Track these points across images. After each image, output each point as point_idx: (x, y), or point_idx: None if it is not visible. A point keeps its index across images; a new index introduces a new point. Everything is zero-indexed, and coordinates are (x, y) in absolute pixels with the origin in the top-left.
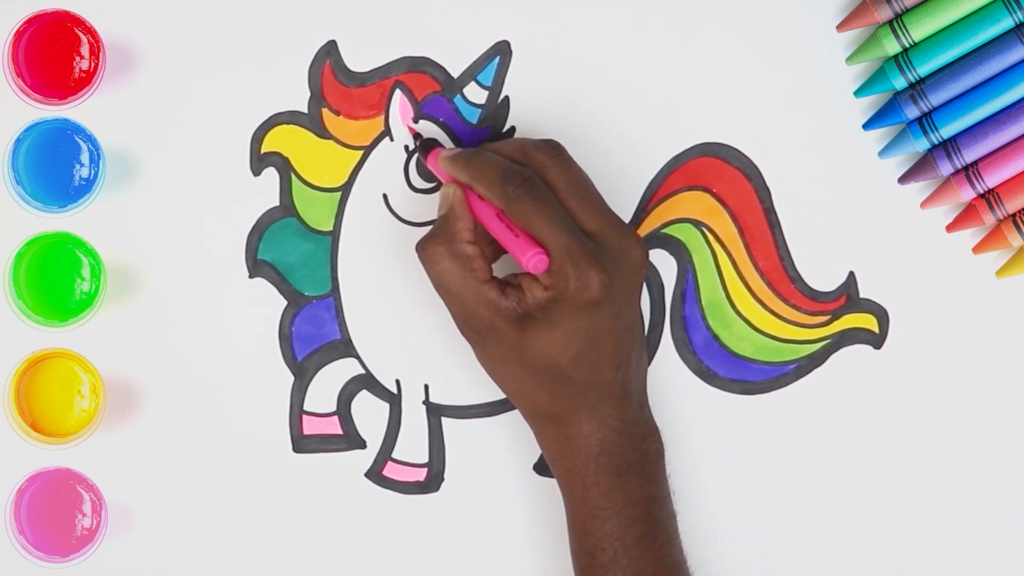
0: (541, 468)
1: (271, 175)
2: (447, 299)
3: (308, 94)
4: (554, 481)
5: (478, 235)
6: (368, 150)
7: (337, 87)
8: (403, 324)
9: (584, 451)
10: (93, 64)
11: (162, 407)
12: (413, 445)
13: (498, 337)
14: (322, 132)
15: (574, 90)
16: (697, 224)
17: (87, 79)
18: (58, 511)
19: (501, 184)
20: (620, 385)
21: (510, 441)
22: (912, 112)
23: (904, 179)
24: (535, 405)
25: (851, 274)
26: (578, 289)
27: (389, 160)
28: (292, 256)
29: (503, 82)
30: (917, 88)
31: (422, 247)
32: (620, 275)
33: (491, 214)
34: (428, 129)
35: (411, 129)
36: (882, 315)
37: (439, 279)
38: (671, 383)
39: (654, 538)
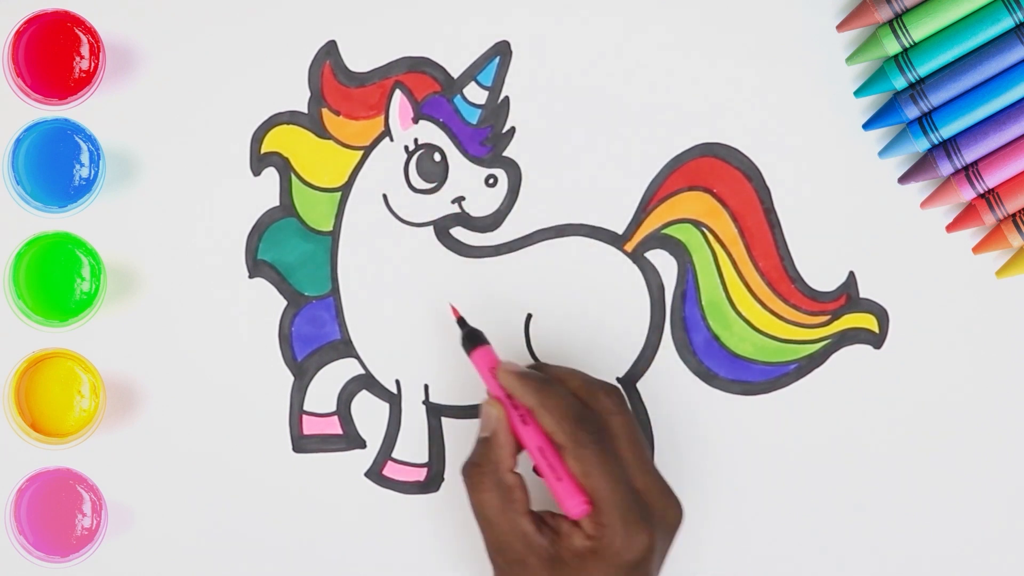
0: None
1: (271, 175)
2: (483, 526)
3: (308, 94)
4: None
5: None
6: (368, 150)
7: (337, 87)
8: (403, 324)
9: None
10: (93, 64)
11: (162, 407)
12: (413, 445)
13: (525, 572)
14: (322, 132)
15: (574, 90)
16: (697, 224)
17: (87, 79)
18: (58, 511)
19: (573, 426)
20: None
21: None
22: (912, 112)
23: (904, 179)
24: None
25: (851, 274)
26: (623, 548)
27: (389, 160)
28: (292, 256)
29: (503, 82)
30: (917, 88)
31: (467, 472)
32: (662, 537)
33: (535, 444)
34: (427, 132)
35: (455, 312)
36: (882, 315)
37: (479, 507)
38: (671, 384)
39: None
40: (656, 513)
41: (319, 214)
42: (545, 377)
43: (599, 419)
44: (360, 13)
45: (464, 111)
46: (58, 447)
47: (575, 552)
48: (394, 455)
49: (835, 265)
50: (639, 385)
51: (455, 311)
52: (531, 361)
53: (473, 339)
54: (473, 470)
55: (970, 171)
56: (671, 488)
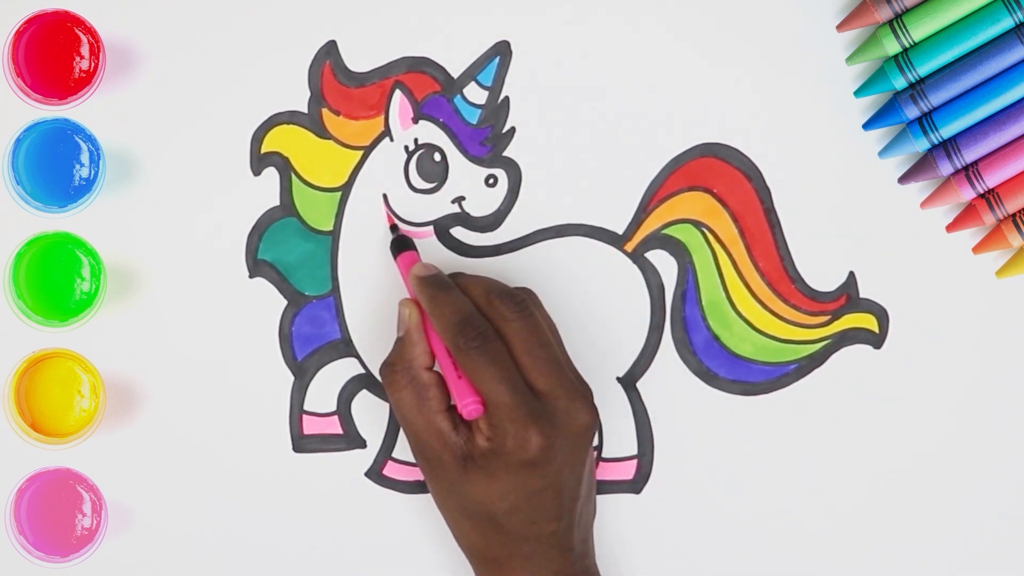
0: None
1: (271, 175)
2: (402, 425)
3: (308, 94)
4: None
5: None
6: (368, 150)
7: (337, 87)
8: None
9: None
10: (93, 64)
11: (162, 407)
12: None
13: (444, 471)
14: (322, 132)
15: (574, 90)
16: (697, 224)
17: (87, 79)
18: (58, 511)
19: (455, 332)
20: (560, 537)
21: None
22: (912, 112)
23: (904, 179)
24: (469, 545)
25: (851, 274)
26: (515, 448)
27: (389, 160)
28: (292, 256)
29: (503, 82)
30: (917, 88)
31: (382, 372)
32: (561, 437)
33: (443, 345)
34: (427, 132)
35: (389, 218)
36: (882, 315)
37: (396, 405)
38: (671, 384)
39: None
40: (558, 414)
41: (319, 214)
42: (445, 283)
43: (490, 325)
44: (360, 13)
45: (464, 111)
46: (58, 447)
47: (481, 451)
48: (394, 455)
49: (835, 265)
50: (639, 385)
51: (390, 217)
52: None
53: (400, 244)
54: (387, 369)
55: (970, 171)
56: (585, 391)
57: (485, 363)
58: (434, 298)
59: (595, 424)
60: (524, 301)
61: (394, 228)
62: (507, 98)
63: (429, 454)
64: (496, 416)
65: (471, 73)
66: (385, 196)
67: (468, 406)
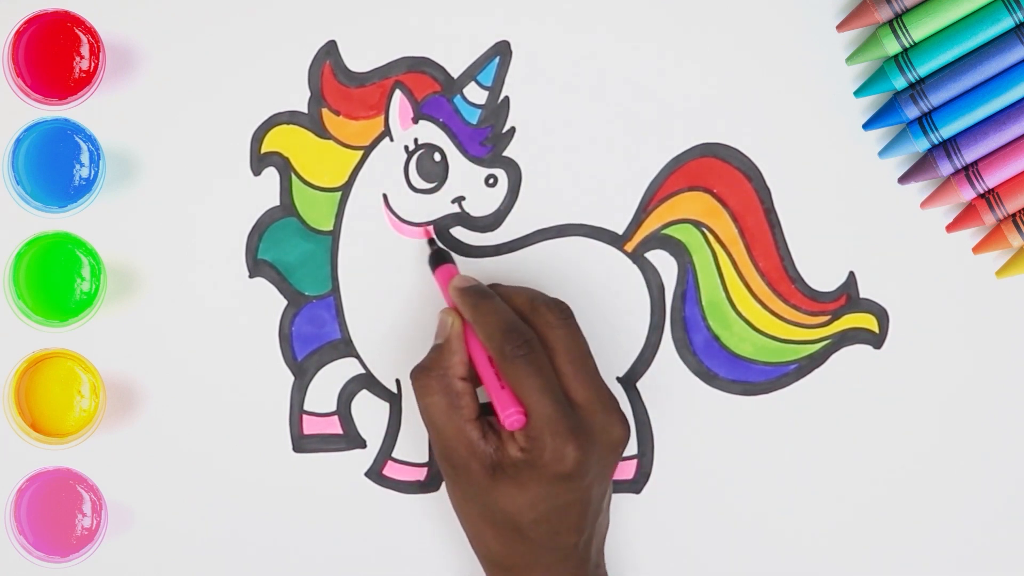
0: None
1: (271, 175)
2: (430, 430)
3: (308, 94)
4: None
5: (470, 369)
6: (368, 150)
7: (337, 87)
8: (403, 324)
9: None
10: (93, 64)
11: (162, 407)
12: (413, 445)
13: (469, 478)
14: (322, 132)
15: (574, 90)
16: (697, 224)
17: (87, 79)
18: (58, 511)
19: (500, 340)
20: (580, 548)
21: None
22: (912, 112)
23: (904, 179)
24: (489, 552)
25: (851, 274)
26: (552, 460)
27: (389, 160)
28: (292, 256)
29: (503, 82)
30: (917, 88)
31: (415, 376)
32: (597, 452)
33: (483, 356)
34: (427, 132)
35: (427, 232)
36: (882, 315)
37: (427, 410)
38: (671, 384)
39: None
40: (595, 428)
41: (319, 214)
42: (487, 292)
43: (534, 333)
44: (360, 13)
45: (464, 111)
46: (58, 447)
47: (511, 461)
48: (394, 455)
49: (835, 265)
50: (639, 385)
51: (427, 231)
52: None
53: (439, 258)
54: (421, 373)
55: (970, 171)
56: (618, 406)
57: (531, 373)
58: (477, 306)
59: (628, 438)
60: (567, 310)
61: (432, 242)
62: (507, 98)
63: (456, 461)
64: (536, 427)
65: (471, 73)
66: (386, 197)
67: (511, 416)
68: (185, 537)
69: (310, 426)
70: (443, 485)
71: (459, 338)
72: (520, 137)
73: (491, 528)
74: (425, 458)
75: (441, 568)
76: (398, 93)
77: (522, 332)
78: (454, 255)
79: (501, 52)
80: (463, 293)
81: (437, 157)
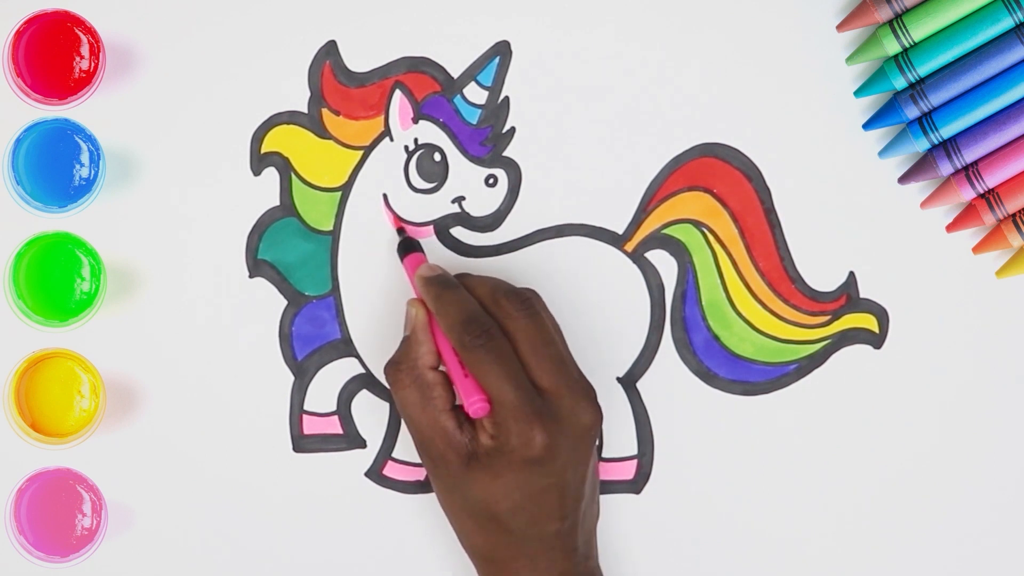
0: None
1: (271, 175)
2: (407, 423)
3: (308, 94)
4: None
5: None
6: (368, 150)
7: (337, 87)
8: (403, 323)
9: None
10: (93, 64)
11: (162, 407)
12: (413, 444)
13: (448, 469)
14: (322, 132)
15: (574, 90)
16: (697, 224)
17: (87, 79)
18: (58, 511)
19: (459, 330)
20: (563, 537)
21: None
22: (912, 112)
23: (904, 179)
24: (472, 545)
25: (851, 274)
26: (519, 446)
27: (389, 160)
28: (292, 256)
29: (503, 82)
30: (917, 88)
31: (387, 371)
32: (566, 436)
33: (448, 345)
34: (427, 132)
35: (395, 221)
36: (882, 315)
37: (401, 404)
38: (671, 384)
39: None
40: (562, 413)
41: (319, 214)
42: (450, 282)
43: (495, 323)
44: (360, 13)
45: (464, 111)
46: (58, 447)
47: (485, 450)
48: (394, 455)
49: (835, 265)
50: (639, 385)
51: (396, 220)
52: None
53: (407, 247)
54: (392, 368)
55: (970, 171)
56: (587, 390)
57: (491, 361)
58: (440, 297)
59: (599, 423)
60: (530, 300)
61: (401, 231)
62: (507, 98)
63: (433, 453)
64: (501, 414)
65: (471, 73)
66: (385, 196)
67: (474, 404)
68: (185, 537)
69: (310, 426)
70: None
71: (424, 329)
72: (520, 137)
73: (472, 520)
74: None
75: (441, 568)
76: (398, 93)
77: (481, 322)
78: (423, 244)
79: (501, 52)
80: (427, 282)
81: (437, 157)
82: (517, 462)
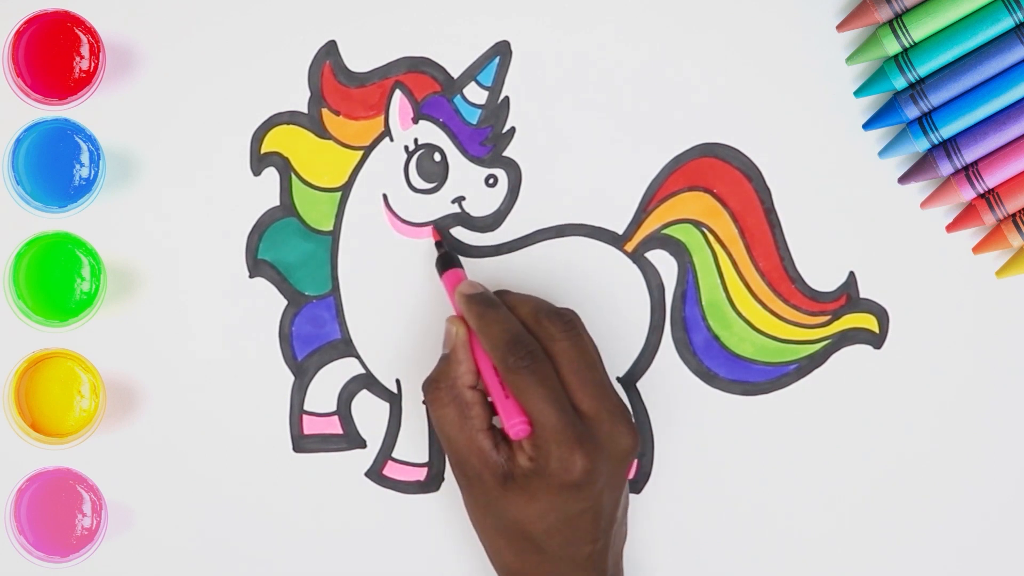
0: None
1: (271, 175)
2: (443, 442)
3: (308, 94)
4: None
5: (479, 378)
6: (368, 150)
7: (337, 87)
8: (403, 324)
9: None
10: (93, 64)
11: (162, 407)
12: (413, 444)
13: (483, 488)
14: (322, 132)
15: (574, 90)
16: (697, 224)
17: (87, 79)
18: (58, 511)
19: (504, 351)
20: (595, 559)
21: None
22: (912, 112)
23: (904, 179)
24: (504, 563)
25: (851, 274)
26: (559, 470)
27: (389, 160)
28: (292, 256)
29: (503, 82)
30: (917, 88)
31: (425, 388)
32: (605, 461)
33: (489, 364)
34: (427, 132)
35: (435, 234)
36: (882, 315)
37: (438, 422)
38: (671, 384)
39: None
40: (602, 437)
41: (319, 214)
42: (493, 301)
43: (538, 344)
44: (360, 13)
45: (464, 111)
46: (58, 447)
47: (522, 471)
48: (394, 455)
49: (835, 265)
50: (639, 385)
51: (435, 233)
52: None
53: (446, 261)
54: (431, 385)
55: (970, 171)
56: (627, 415)
57: (534, 383)
58: (482, 316)
59: (637, 447)
60: (572, 321)
61: (439, 244)
62: (507, 98)
63: (469, 472)
64: (542, 437)
65: (471, 73)
66: (385, 197)
67: (516, 426)
68: (185, 537)
69: (310, 426)
70: (442, 485)
71: (465, 347)
72: (520, 137)
73: (504, 539)
74: (425, 458)
75: (441, 568)
76: (398, 93)
77: (526, 343)
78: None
79: (501, 52)
80: (469, 301)
81: (437, 157)
82: (555, 486)
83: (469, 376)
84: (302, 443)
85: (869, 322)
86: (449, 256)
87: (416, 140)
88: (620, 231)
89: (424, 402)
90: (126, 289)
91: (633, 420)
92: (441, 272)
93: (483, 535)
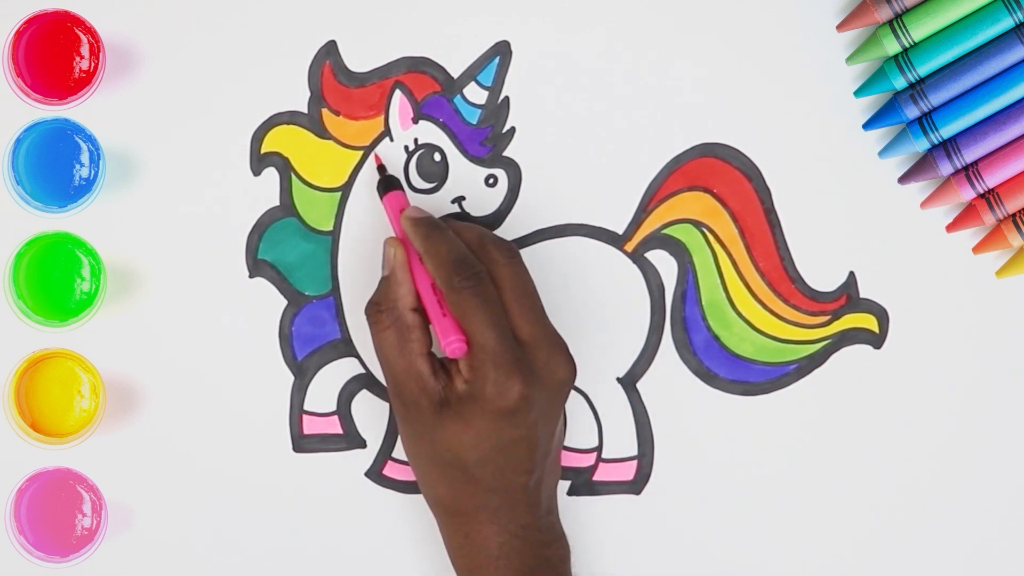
0: None
1: (271, 175)
2: (383, 365)
3: (308, 94)
4: None
5: (419, 300)
6: (368, 150)
7: (337, 87)
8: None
9: (484, 552)
10: (93, 64)
11: (162, 407)
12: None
13: (419, 415)
14: (322, 132)
15: (574, 90)
16: (697, 224)
17: (87, 79)
18: (58, 511)
19: (449, 271)
20: (528, 491)
21: None
22: (912, 112)
23: (904, 179)
24: (436, 496)
25: (851, 274)
26: (495, 394)
27: (389, 160)
28: (292, 256)
29: (503, 82)
30: (917, 88)
31: (367, 312)
32: (541, 389)
33: (427, 283)
34: (427, 132)
35: (376, 158)
36: (882, 315)
37: (379, 345)
38: (671, 384)
39: None
40: (539, 365)
41: (319, 214)
42: (439, 224)
43: (483, 267)
44: (360, 13)
45: (464, 111)
46: (58, 447)
47: (458, 396)
48: (394, 455)
49: (835, 265)
50: (639, 385)
51: (377, 158)
52: None
53: (388, 184)
54: (372, 308)
55: (970, 171)
56: (564, 346)
57: (477, 304)
58: (429, 237)
59: (573, 378)
60: (515, 250)
61: (381, 168)
62: (507, 98)
63: (406, 397)
64: (479, 359)
65: (471, 73)
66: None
67: (452, 343)
68: (185, 537)
69: (310, 426)
70: None
71: (404, 268)
72: (520, 137)
73: (439, 469)
74: None
75: (441, 568)
76: (398, 93)
77: (471, 264)
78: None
79: (501, 52)
80: (416, 223)
81: (437, 157)
82: (490, 411)
83: (410, 297)
84: (302, 443)
85: (869, 322)
86: (391, 179)
87: (416, 140)
88: (620, 231)
89: (368, 325)
90: (126, 289)
91: (570, 351)
92: (382, 194)
93: (417, 467)
